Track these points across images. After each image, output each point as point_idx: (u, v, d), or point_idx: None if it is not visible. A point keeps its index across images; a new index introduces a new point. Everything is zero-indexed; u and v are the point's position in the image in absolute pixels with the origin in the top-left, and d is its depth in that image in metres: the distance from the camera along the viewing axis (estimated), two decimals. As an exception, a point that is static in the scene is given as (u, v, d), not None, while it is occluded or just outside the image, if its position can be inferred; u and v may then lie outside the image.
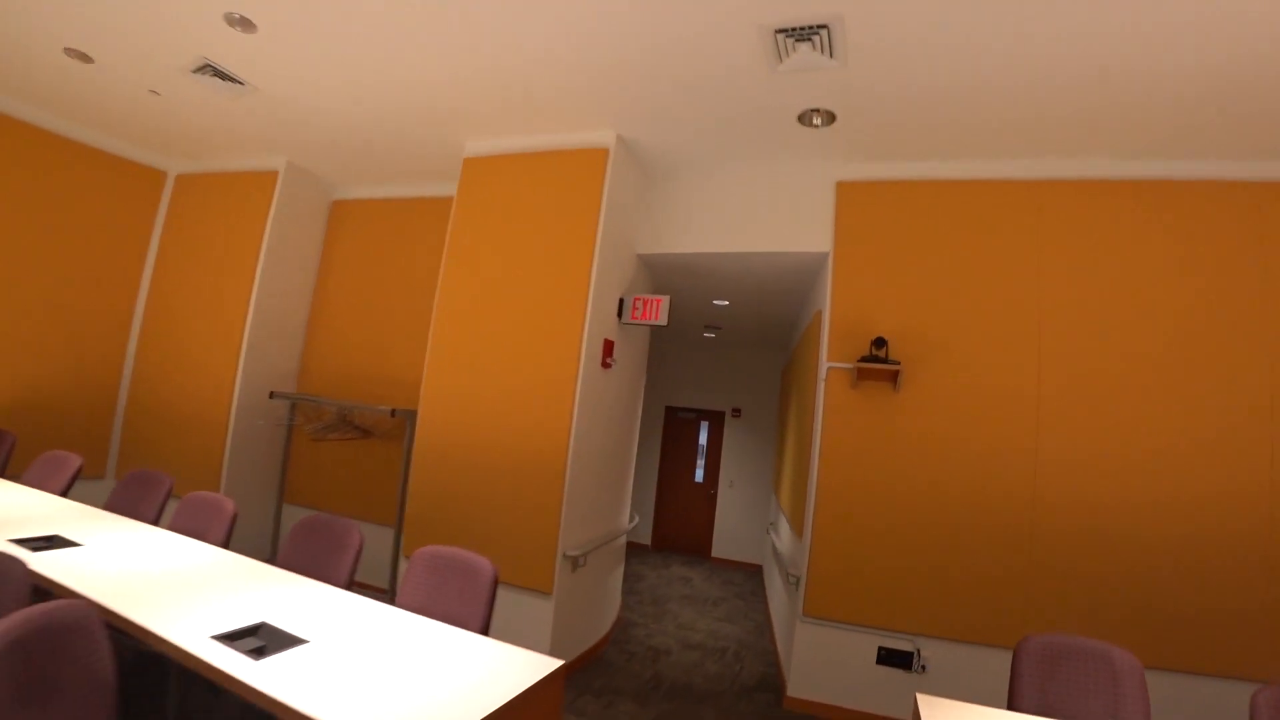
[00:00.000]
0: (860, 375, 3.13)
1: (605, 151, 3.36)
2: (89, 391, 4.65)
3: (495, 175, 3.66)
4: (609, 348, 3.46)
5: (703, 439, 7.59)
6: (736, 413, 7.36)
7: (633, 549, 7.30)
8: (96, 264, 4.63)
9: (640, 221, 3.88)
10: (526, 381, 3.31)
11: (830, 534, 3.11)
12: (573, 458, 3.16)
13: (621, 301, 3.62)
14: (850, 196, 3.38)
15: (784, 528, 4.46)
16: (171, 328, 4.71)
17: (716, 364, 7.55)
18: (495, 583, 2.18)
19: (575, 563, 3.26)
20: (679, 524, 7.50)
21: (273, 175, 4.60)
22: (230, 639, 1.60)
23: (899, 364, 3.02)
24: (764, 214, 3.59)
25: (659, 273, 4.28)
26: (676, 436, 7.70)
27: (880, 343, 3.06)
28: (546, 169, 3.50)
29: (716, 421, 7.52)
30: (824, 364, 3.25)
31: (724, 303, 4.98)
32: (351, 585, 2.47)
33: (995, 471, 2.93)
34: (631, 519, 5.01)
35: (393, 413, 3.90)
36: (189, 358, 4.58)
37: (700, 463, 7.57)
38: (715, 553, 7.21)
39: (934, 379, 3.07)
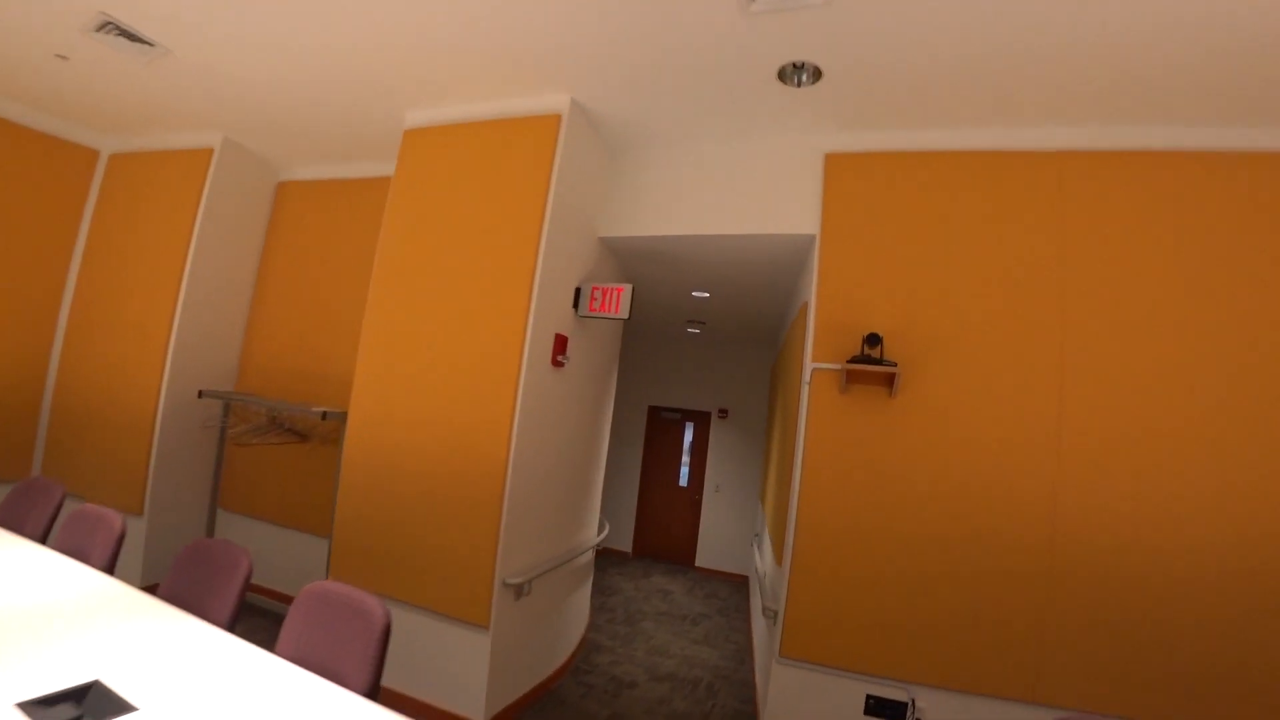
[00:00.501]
0: (850, 378, 2.69)
1: (557, 118, 2.91)
2: (11, 389, 4.23)
3: (436, 149, 3.21)
4: (561, 344, 3.02)
5: (688, 441, 7.17)
6: (723, 414, 6.92)
7: (612, 557, 6.89)
8: (18, 250, 4.19)
9: (602, 201, 3.44)
10: (463, 383, 2.87)
11: (813, 562, 2.68)
12: (514, 471, 2.73)
13: (578, 291, 3.18)
14: (840, 170, 2.93)
15: (767, 546, 4.03)
16: (99, 320, 4.27)
17: (702, 362, 7.11)
18: (387, 632, 1.76)
19: (519, 591, 2.83)
20: (661, 531, 7.08)
21: (207, 153, 4.16)
22: (43, 706, 1.20)
23: (895, 365, 2.58)
24: (743, 192, 3.14)
25: (627, 260, 3.84)
26: (660, 438, 7.27)
27: (874, 340, 2.62)
28: (492, 140, 3.05)
29: (702, 423, 7.09)
30: (809, 364, 2.81)
31: (704, 295, 4.54)
32: (235, 625, 2.13)
33: (1008, 494, 2.49)
34: (601, 528, 4.60)
35: (324, 415, 3.47)
36: (116, 353, 4.15)
37: (685, 466, 7.15)
38: (699, 562, 6.79)
39: (936, 384, 2.63)
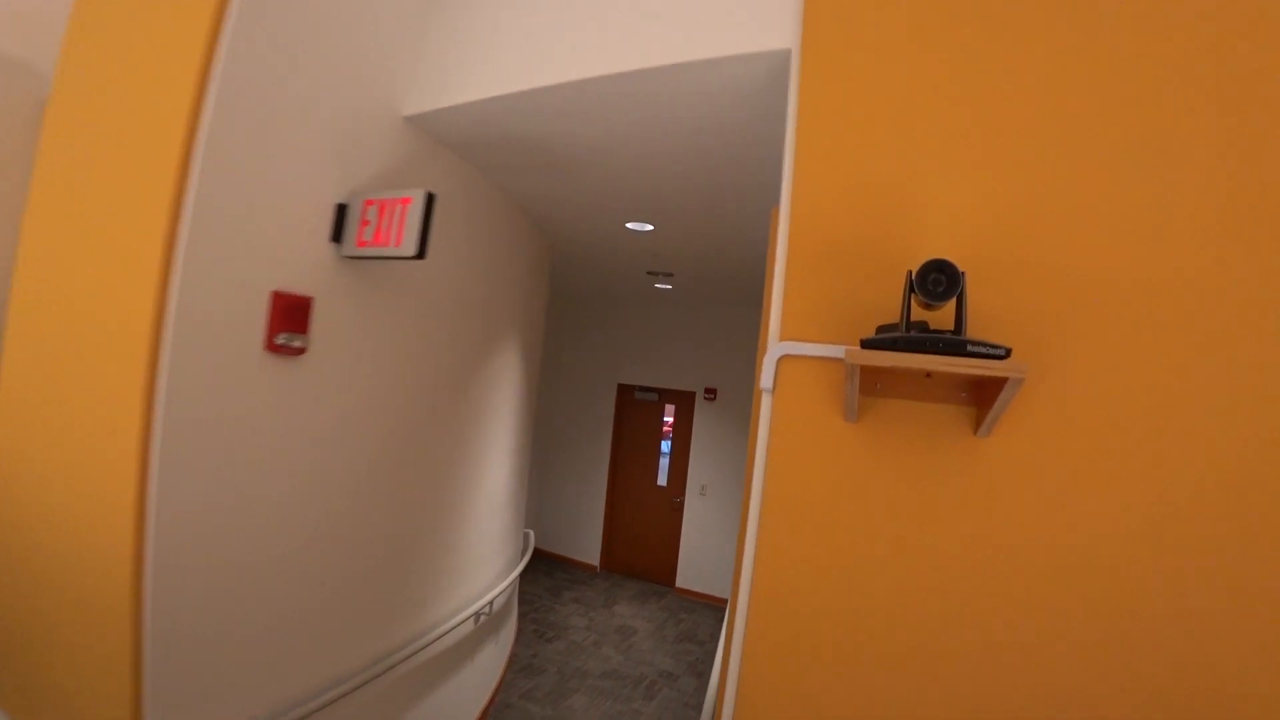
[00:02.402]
0: (868, 384, 1.12)
1: None
2: None
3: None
4: (293, 311, 1.51)
5: (667, 428, 5.69)
6: (711, 394, 5.39)
7: (575, 572, 5.55)
8: None
9: (410, 48, 1.86)
10: (79, 395, 1.43)
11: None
12: (160, 565, 1.29)
13: (342, 212, 1.66)
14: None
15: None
16: None
17: (681, 327, 5.54)
18: None
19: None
20: (635, 541, 5.69)
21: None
22: None
23: (1006, 353, 0.99)
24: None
25: (484, 162, 2.27)
26: (632, 425, 5.80)
27: (939, 276, 1.00)
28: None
29: (685, 405, 5.57)
30: (773, 345, 1.26)
31: (646, 227, 2.95)
32: None
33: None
34: (526, 546, 3.33)
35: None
36: None
37: (664, 460, 5.69)
38: (680, 582, 5.40)
39: (1100, 404, 1.04)
